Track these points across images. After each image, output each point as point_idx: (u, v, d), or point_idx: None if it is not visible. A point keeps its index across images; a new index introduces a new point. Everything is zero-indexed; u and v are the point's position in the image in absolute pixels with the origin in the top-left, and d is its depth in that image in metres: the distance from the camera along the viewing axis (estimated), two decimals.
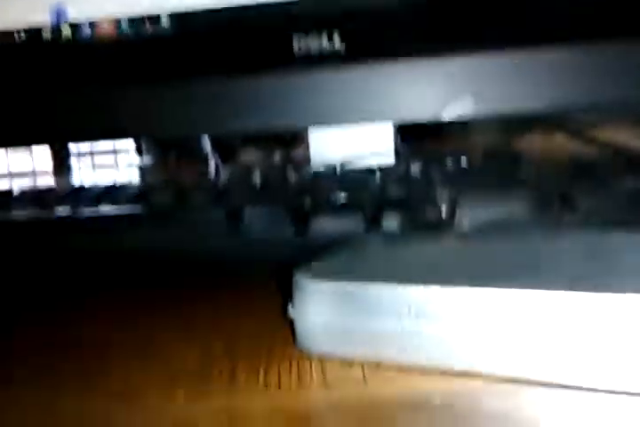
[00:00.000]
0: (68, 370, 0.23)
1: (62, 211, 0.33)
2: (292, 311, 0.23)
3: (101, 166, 0.76)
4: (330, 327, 0.22)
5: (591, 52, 0.44)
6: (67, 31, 0.47)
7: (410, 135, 0.58)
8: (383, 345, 0.21)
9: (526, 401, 0.18)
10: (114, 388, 0.21)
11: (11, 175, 0.68)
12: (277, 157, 0.49)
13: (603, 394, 0.18)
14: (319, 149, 0.52)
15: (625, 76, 0.44)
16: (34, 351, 0.26)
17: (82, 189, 0.39)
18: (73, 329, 0.28)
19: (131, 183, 0.39)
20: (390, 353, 0.21)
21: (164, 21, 0.47)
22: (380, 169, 0.40)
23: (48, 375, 0.23)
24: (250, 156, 0.73)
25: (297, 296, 0.23)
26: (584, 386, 0.18)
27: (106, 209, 0.33)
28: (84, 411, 0.20)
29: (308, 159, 0.54)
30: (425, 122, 0.49)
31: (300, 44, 0.45)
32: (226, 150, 0.66)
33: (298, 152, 0.68)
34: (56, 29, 0.47)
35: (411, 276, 0.21)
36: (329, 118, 0.47)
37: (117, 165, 0.74)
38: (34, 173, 0.69)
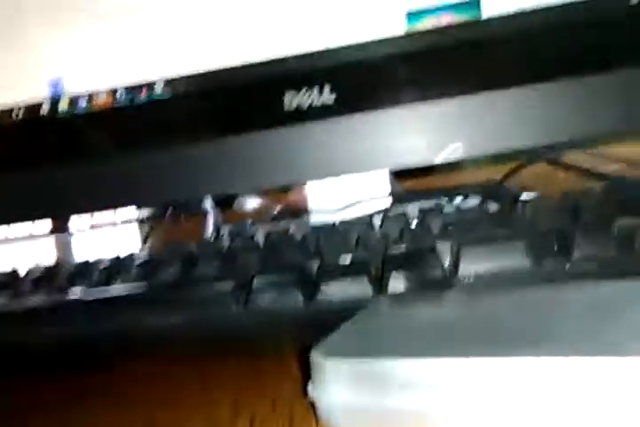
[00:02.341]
0: None
1: (71, 293, 0.34)
2: (312, 391, 0.23)
3: (99, 225, 0.76)
4: (350, 406, 0.22)
5: (573, 87, 0.45)
6: (64, 105, 0.48)
7: (403, 175, 0.59)
8: (403, 423, 0.21)
9: None
10: None
11: (10, 240, 0.69)
12: (276, 208, 0.50)
13: None
14: (317, 199, 0.53)
15: (599, 113, 0.45)
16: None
17: (86, 265, 0.39)
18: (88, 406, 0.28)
19: (133, 257, 0.39)
20: None
21: (158, 87, 0.48)
22: (380, 220, 0.41)
23: None
24: (248, 205, 0.73)
25: (316, 376, 0.23)
26: None
27: (114, 289, 0.34)
28: None
29: (305, 208, 0.55)
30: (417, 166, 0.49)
31: (292, 100, 0.46)
32: (223, 201, 0.67)
33: (295, 199, 0.69)
34: (54, 104, 0.48)
35: (421, 348, 0.22)
36: (325, 171, 0.48)
37: (115, 223, 0.74)
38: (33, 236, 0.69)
